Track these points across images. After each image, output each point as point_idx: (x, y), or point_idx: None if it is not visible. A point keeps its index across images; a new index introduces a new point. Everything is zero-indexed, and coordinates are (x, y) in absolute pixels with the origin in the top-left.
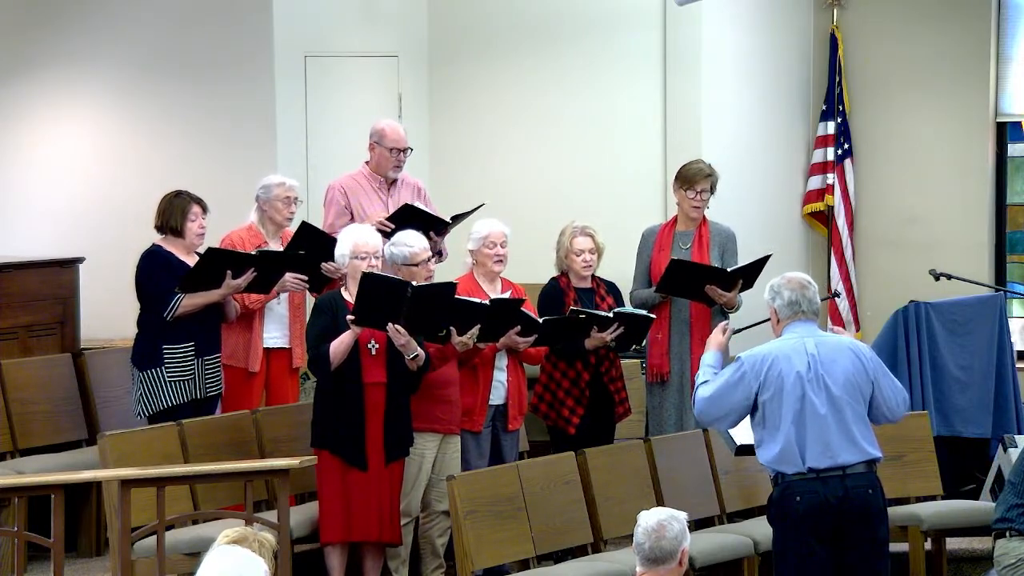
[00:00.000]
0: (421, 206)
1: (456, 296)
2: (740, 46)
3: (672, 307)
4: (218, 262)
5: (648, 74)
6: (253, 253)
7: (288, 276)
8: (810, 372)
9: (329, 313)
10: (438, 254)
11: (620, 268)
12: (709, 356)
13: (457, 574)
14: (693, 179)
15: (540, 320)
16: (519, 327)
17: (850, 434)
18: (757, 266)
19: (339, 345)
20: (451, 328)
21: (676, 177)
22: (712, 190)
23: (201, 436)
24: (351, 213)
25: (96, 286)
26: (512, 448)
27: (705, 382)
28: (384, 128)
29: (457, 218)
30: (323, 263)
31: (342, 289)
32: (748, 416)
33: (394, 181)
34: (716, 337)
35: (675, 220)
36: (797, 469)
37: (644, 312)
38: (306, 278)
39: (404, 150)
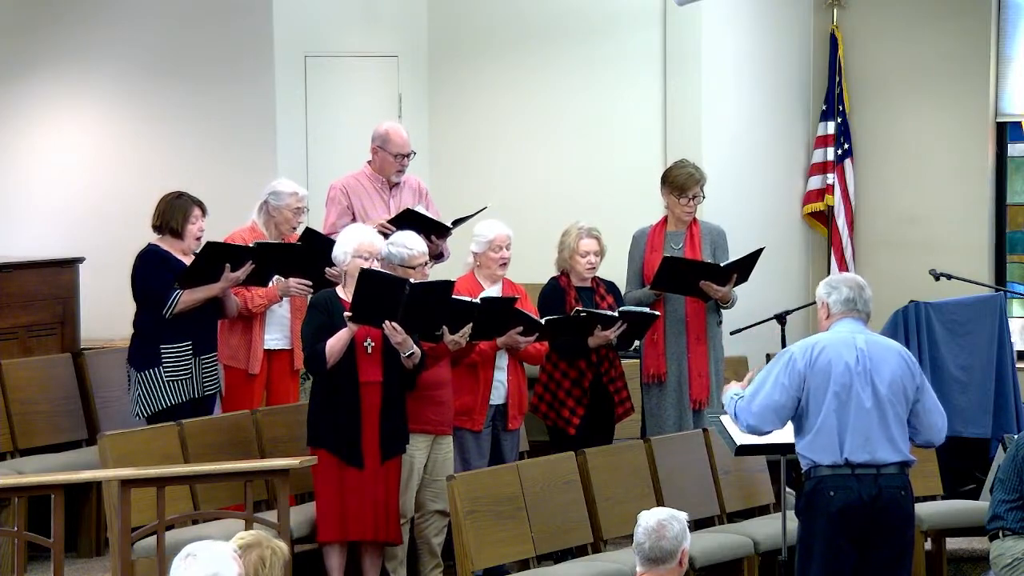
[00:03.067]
0: (422, 210)
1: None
2: (740, 46)
3: (667, 307)
4: (217, 256)
5: (648, 74)
6: (251, 246)
7: (292, 281)
8: (859, 366)
9: (324, 312)
10: (439, 256)
11: (620, 268)
12: (735, 387)
13: (457, 574)
14: (685, 186)
15: (542, 321)
16: (521, 327)
17: (890, 434)
18: (751, 259)
19: (335, 343)
20: (443, 327)
21: (665, 182)
22: (702, 193)
23: (201, 436)
24: (353, 213)
25: (96, 286)
26: (512, 448)
27: (742, 397)
28: (388, 132)
29: (458, 222)
30: (327, 268)
31: (338, 288)
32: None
33: (397, 182)
34: (735, 385)
35: (665, 220)
36: (834, 459)
37: (648, 310)
38: (310, 283)
39: (408, 155)
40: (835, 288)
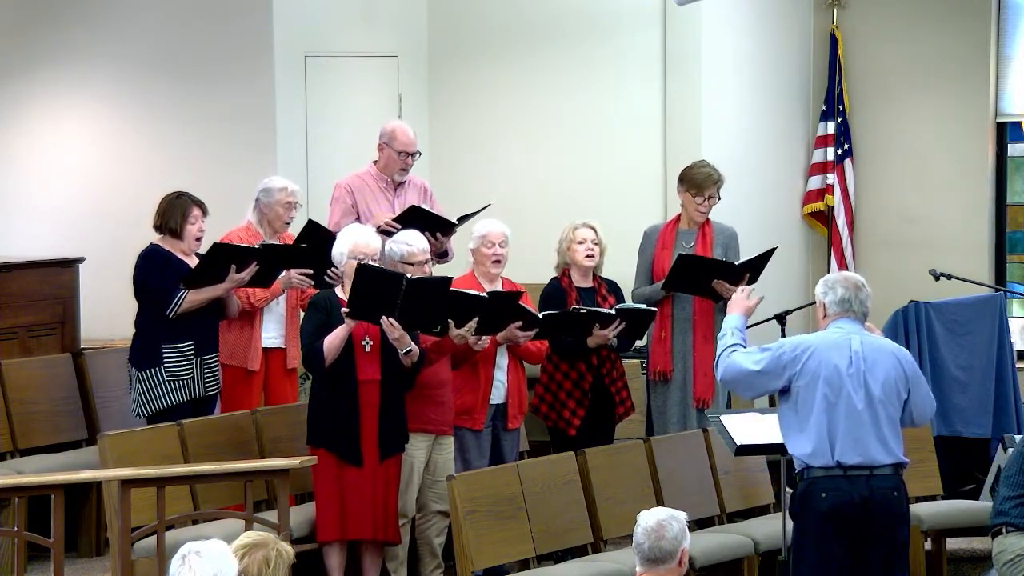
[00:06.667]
0: (427, 207)
1: (454, 289)
2: (740, 46)
3: (675, 305)
4: (222, 257)
5: (648, 74)
6: (256, 246)
7: (293, 272)
8: (851, 368)
9: (323, 311)
10: (443, 254)
11: (620, 268)
12: (734, 319)
13: (457, 574)
14: (702, 185)
15: (540, 315)
16: (520, 322)
17: (882, 435)
18: (763, 259)
19: (333, 340)
20: (449, 321)
21: (682, 180)
22: (718, 194)
23: (201, 436)
24: (357, 213)
25: (96, 286)
26: (512, 448)
27: (735, 348)
28: (395, 130)
29: (463, 219)
30: (330, 270)
31: (337, 288)
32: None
33: (401, 182)
34: (741, 301)
35: (677, 219)
36: (825, 462)
37: (644, 306)
38: (311, 272)
39: (413, 154)
40: (831, 288)
